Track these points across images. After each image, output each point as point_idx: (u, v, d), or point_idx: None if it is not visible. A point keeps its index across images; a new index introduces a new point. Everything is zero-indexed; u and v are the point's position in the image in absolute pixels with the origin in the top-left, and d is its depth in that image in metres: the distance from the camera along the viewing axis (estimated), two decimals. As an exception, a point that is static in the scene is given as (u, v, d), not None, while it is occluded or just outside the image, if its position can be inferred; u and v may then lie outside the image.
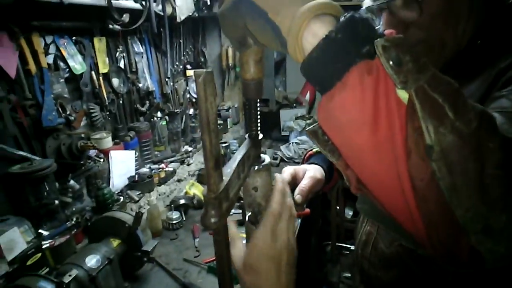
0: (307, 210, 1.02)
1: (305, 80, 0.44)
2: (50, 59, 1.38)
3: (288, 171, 0.88)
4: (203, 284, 1.33)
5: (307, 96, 3.36)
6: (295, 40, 0.40)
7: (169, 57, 2.21)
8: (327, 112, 0.42)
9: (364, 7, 0.76)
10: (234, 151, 2.54)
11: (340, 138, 0.44)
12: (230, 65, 2.90)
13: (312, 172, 0.88)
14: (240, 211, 0.52)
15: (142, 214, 1.28)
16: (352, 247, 2.85)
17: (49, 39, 1.37)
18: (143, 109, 2.00)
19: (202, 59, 2.76)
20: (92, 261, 1.10)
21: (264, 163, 0.53)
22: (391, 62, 0.36)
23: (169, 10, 1.77)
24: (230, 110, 2.90)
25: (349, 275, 2.90)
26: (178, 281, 1.33)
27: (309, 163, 0.95)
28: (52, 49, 1.39)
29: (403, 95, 0.36)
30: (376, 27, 0.44)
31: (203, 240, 1.61)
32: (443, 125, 0.36)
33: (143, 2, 1.58)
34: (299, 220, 1.70)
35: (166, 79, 2.22)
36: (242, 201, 0.58)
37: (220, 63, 2.94)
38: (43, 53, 1.34)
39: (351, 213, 3.22)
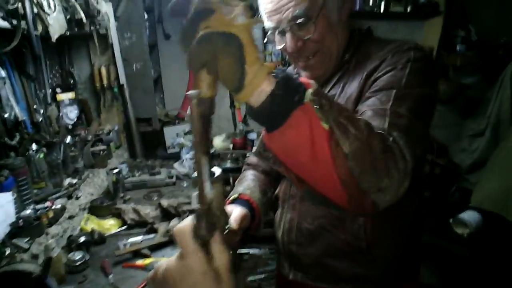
0: None
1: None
2: None
3: None
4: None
5: (189, 111, 3.39)
6: (252, 90, 0.53)
7: (37, 81, 1.94)
8: (281, 142, 0.60)
9: (270, 31, 0.92)
10: (127, 177, 2.39)
11: (291, 157, 0.63)
12: (105, 85, 2.70)
13: (237, 208, 0.97)
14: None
15: (51, 258, 1.12)
16: (251, 251, 3.01)
17: None
18: (13, 142, 1.70)
19: (72, 81, 2.51)
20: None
21: (216, 175, 0.55)
22: (316, 107, 0.56)
23: (39, 28, 1.57)
24: (111, 134, 2.69)
25: (254, 278, 3.00)
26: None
27: None
28: None
29: (325, 124, 0.57)
30: (295, 75, 0.62)
31: (117, 275, 1.49)
32: (350, 137, 0.58)
33: (14, 21, 1.35)
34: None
35: (35, 106, 1.94)
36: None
37: (92, 84, 2.71)
38: None
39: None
